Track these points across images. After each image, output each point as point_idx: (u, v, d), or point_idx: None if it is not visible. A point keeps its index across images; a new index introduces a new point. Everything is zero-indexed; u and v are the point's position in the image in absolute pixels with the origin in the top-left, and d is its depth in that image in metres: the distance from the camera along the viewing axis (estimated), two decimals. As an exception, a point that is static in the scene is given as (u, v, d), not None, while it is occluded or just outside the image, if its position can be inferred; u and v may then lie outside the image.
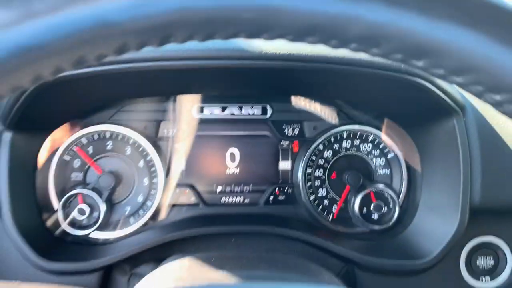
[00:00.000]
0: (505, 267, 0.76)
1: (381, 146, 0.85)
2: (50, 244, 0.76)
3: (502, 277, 0.76)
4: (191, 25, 0.25)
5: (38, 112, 0.69)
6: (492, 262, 0.76)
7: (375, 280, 0.75)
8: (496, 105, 0.28)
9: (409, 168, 0.83)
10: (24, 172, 0.74)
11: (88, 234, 0.79)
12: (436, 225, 0.74)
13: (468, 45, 0.25)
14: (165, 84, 0.78)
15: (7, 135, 0.69)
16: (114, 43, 0.25)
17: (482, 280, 0.76)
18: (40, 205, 0.77)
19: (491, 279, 0.76)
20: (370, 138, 0.84)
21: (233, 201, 0.85)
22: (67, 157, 0.80)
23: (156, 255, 0.74)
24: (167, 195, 0.83)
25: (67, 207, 0.79)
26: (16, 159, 0.71)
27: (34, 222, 0.75)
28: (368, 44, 0.26)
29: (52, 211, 0.78)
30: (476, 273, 0.76)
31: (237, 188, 0.85)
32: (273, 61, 0.65)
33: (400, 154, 0.84)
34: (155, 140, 0.82)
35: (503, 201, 0.70)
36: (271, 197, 0.85)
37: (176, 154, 0.83)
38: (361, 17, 0.25)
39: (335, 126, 0.84)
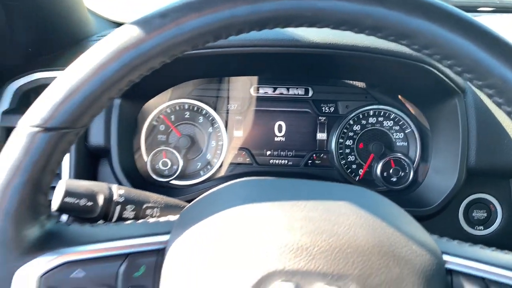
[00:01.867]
0: (496, 219, 0.95)
1: (400, 122, 1.05)
2: (142, 185, 1.00)
3: (493, 227, 0.95)
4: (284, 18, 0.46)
5: (141, 85, 0.94)
6: (485, 215, 0.95)
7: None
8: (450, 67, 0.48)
9: (422, 140, 1.03)
10: (127, 130, 1.00)
11: (169, 181, 1.03)
12: (440, 183, 0.94)
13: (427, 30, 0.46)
14: (231, 67, 1.01)
15: (117, 101, 0.95)
16: (232, 29, 0.48)
17: (476, 229, 0.95)
18: (136, 157, 1.03)
19: (484, 228, 0.95)
20: (392, 116, 1.05)
21: (279, 163, 1.07)
22: (155, 122, 1.05)
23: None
24: (228, 155, 1.06)
25: (154, 160, 1.03)
26: (122, 120, 0.96)
27: (132, 168, 1.01)
28: (374, 31, 0.48)
29: (144, 162, 1.03)
30: (472, 223, 0.95)
31: (282, 153, 1.07)
32: (317, 49, 0.88)
33: (415, 129, 1.04)
34: (221, 112, 1.06)
35: (494, 165, 0.89)
36: (309, 161, 1.07)
37: (236, 124, 1.07)
38: (373, 14, 0.47)
39: (363, 106, 1.05)
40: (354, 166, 1.06)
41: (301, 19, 0.47)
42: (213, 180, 1.05)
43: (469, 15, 0.47)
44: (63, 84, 0.46)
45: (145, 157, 1.04)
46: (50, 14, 0.99)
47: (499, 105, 0.48)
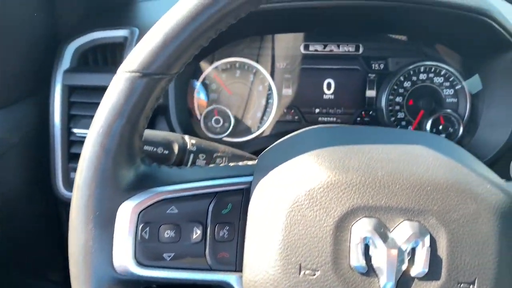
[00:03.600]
0: (548, 173, 0.96)
1: (451, 79, 1.05)
2: (196, 142, 1.04)
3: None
4: None
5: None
6: (538, 169, 0.95)
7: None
8: None
9: (472, 96, 1.03)
10: (182, 89, 1.03)
11: (221, 138, 1.07)
12: (493, 137, 0.94)
13: None
14: (282, 23, 1.02)
15: (173, 61, 0.97)
16: None
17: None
18: (190, 114, 1.06)
19: (536, 182, 0.96)
20: (442, 72, 1.05)
21: (328, 120, 1.09)
22: (207, 81, 1.08)
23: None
24: (278, 113, 1.09)
25: (206, 118, 1.07)
26: (178, 78, 0.98)
27: (188, 125, 1.04)
28: None
29: (197, 119, 1.07)
30: (523, 176, 0.96)
31: (331, 111, 1.09)
32: (369, 0, 0.88)
33: (466, 85, 1.04)
34: (271, 70, 1.08)
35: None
36: (358, 119, 1.08)
37: (286, 82, 1.08)
38: None
39: (414, 62, 1.05)
40: (403, 123, 1.07)
41: None
42: (264, 138, 1.08)
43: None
44: (158, 32, 0.49)
45: (198, 115, 1.07)
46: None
47: None
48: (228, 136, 1.07)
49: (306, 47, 1.07)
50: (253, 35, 1.05)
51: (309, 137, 0.58)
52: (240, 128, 1.08)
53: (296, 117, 1.09)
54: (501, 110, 0.94)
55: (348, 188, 0.49)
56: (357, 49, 1.06)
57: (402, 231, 0.48)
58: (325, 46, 1.06)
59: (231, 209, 0.54)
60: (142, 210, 0.52)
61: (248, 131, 1.08)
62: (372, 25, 1.02)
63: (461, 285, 0.47)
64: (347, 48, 1.06)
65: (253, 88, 1.08)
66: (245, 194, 0.54)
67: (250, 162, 0.62)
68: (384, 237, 0.47)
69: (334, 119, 1.09)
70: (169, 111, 0.97)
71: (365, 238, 0.48)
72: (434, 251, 0.48)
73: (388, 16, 0.95)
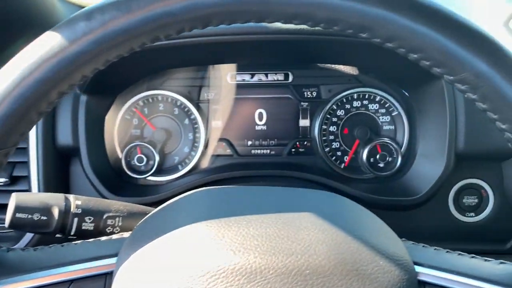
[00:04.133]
0: (487, 205, 0.90)
1: (386, 105, 0.99)
2: (117, 184, 0.96)
3: (485, 213, 0.90)
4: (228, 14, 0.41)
5: (106, 79, 0.89)
6: (476, 201, 0.90)
7: (377, 214, 0.91)
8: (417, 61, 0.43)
9: (410, 123, 0.98)
10: (96, 128, 0.95)
11: (146, 177, 0.99)
12: (428, 169, 0.89)
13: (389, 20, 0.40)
14: (205, 56, 0.95)
15: (83, 98, 0.89)
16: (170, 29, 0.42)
17: (467, 216, 0.91)
18: (109, 154, 0.98)
19: (475, 215, 0.91)
20: (377, 99, 0.99)
21: (261, 153, 1.02)
22: (128, 116, 1.00)
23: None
24: (207, 147, 1.01)
25: (128, 157, 0.99)
26: (90, 116, 0.91)
27: (105, 166, 0.96)
28: (330, 25, 0.42)
29: (118, 159, 0.99)
30: (463, 209, 0.90)
31: (264, 142, 1.02)
32: (292, 35, 0.82)
33: (402, 112, 0.98)
34: (197, 102, 1.00)
35: (484, 148, 0.84)
36: (293, 149, 1.02)
37: (214, 114, 1.01)
38: (327, 5, 0.41)
39: (347, 89, 0.99)
40: (339, 153, 1.01)
41: (247, 15, 0.42)
42: (193, 174, 1.00)
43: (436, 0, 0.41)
44: None
45: (119, 153, 0.99)
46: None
47: (473, 101, 0.43)
48: (153, 175, 0.99)
49: (233, 77, 1.00)
50: (174, 67, 0.98)
51: (182, 209, 0.50)
52: (167, 165, 1.01)
53: (228, 151, 1.02)
54: (435, 140, 0.88)
55: (216, 276, 0.42)
56: (286, 77, 1.00)
57: (276, 325, 0.41)
58: (252, 76, 1.00)
59: None
60: None
61: (175, 168, 1.01)
62: (300, 56, 0.96)
63: None
64: (276, 77, 1.00)
65: (178, 121, 1.00)
66: (108, 278, 0.46)
67: (117, 236, 0.54)
68: None
69: (268, 151, 1.02)
70: (81, 153, 0.89)
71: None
72: None
73: (314, 47, 0.89)
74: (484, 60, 0.39)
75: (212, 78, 1.00)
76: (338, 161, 1.01)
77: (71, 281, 0.46)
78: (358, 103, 1.00)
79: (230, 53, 0.95)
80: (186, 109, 1.00)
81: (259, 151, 1.02)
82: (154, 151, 0.97)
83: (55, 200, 0.61)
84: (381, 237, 0.48)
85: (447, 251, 0.51)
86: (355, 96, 0.99)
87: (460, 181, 0.90)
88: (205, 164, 1.01)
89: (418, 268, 0.47)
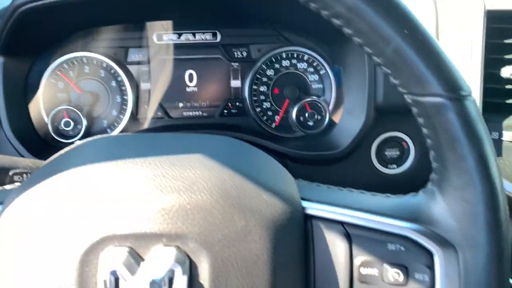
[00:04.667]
0: (408, 157, 0.94)
1: (314, 64, 1.00)
2: (43, 149, 0.94)
3: (406, 165, 0.94)
4: None
5: (23, 38, 0.85)
6: (398, 153, 0.93)
7: (304, 169, 0.93)
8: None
9: (337, 81, 0.99)
10: (17, 92, 0.91)
11: (73, 142, 0.97)
12: (351, 124, 0.91)
13: None
14: (130, 13, 0.93)
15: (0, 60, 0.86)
16: None
17: (390, 168, 0.94)
18: (34, 119, 0.95)
19: (397, 167, 0.94)
20: (305, 58, 1.00)
21: (193, 114, 1.02)
22: (52, 80, 0.97)
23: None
24: (137, 110, 1.00)
25: (55, 121, 0.96)
26: (8, 80, 0.87)
27: (29, 131, 0.93)
28: None
29: (44, 123, 0.96)
30: (385, 161, 0.93)
31: (195, 104, 1.02)
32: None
33: (329, 70, 1.00)
34: (124, 64, 0.98)
35: (402, 102, 0.86)
36: (225, 111, 1.02)
37: (142, 75, 1.00)
38: None
39: (275, 48, 0.99)
40: (270, 113, 1.01)
41: None
42: (123, 138, 0.99)
43: None
44: None
45: (45, 118, 0.97)
46: None
47: (350, 36, 0.44)
48: (81, 139, 0.96)
49: (159, 37, 0.98)
50: (97, 25, 0.95)
51: (72, 156, 0.50)
52: (95, 129, 0.99)
53: (159, 113, 1.01)
54: (357, 95, 0.90)
55: (97, 216, 0.42)
56: (214, 36, 0.99)
57: (157, 259, 0.41)
58: (179, 35, 0.98)
59: None
60: None
61: (104, 131, 0.99)
62: (226, 14, 0.95)
63: None
64: (203, 37, 0.99)
65: (105, 84, 0.98)
66: None
67: (9, 186, 0.53)
68: (134, 269, 0.41)
69: (200, 112, 1.02)
70: (0, 118, 0.86)
71: (113, 272, 0.41)
72: (195, 279, 0.42)
73: (240, 5, 0.88)
74: None
75: (138, 39, 0.98)
76: (269, 121, 1.02)
77: None
78: (287, 63, 1.00)
79: (155, 10, 0.93)
80: (112, 71, 0.98)
81: (190, 113, 1.02)
82: (81, 115, 0.95)
83: None
84: (268, 175, 0.49)
85: (339, 188, 0.52)
86: (284, 55, 1.00)
87: (382, 134, 0.92)
88: (134, 127, 1.00)
89: (305, 203, 0.48)
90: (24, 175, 0.63)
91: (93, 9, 0.87)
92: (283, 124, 1.01)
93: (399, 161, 0.94)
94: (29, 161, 0.65)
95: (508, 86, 0.81)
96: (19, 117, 0.91)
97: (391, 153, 0.93)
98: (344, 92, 0.96)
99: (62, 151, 0.52)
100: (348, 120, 0.94)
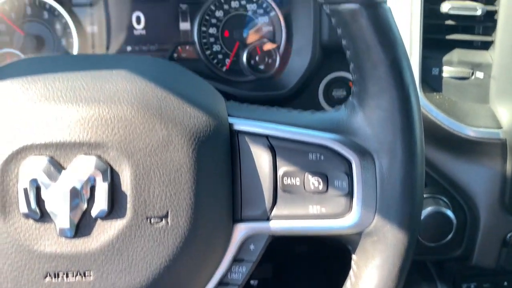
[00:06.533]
0: (354, 96, 0.96)
1: (264, 5, 1.00)
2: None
3: (352, 104, 0.96)
4: None
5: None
6: (344, 93, 0.95)
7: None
8: None
9: (286, 22, 0.99)
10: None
11: (19, 86, 0.95)
12: (298, 65, 0.92)
13: None
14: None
15: None
16: None
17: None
18: (-26, 63, 0.93)
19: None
20: (255, -1, 0.99)
21: (143, 59, 1.01)
22: (-8, 22, 0.94)
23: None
24: (82, 53, 0.98)
25: (-2, 65, 0.93)
26: None
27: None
28: None
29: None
30: (332, 101, 0.95)
31: (144, 47, 1.00)
32: None
33: (279, 11, 0.99)
34: (69, 6, 0.95)
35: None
36: (175, 54, 1.01)
37: (89, 18, 0.97)
38: None
39: (224, -12, 0.98)
40: (220, 56, 1.01)
41: None
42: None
43: None
44: None
45: (-14, 62, 0.94)
46: None
47: None
48: (27, 83, 0.94)
49: (104, -23, 0.95)
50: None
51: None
52: (41, 73, 0.97)
53: (107, 57, 0.99)
54: (304, 35, 0.90)
55: (15, 125, 0.42)
56: (159, -25, 0.97)
57: (77, 168, 0.42)
58: (123, -25, 0.96)
59: None
60: None
61: (50, 76, 0.97)
62: None
63: (151, 220, 0.43)
64: (147, -25, 0.96)
65: (50, 27, 0.95)
66: None
67: None
68: (55, 177, 0.41)
69: (149, 56, 1.00)
70: None
71: (33, 180, 0.41)
72: (116, 187, 0.42)
73: None
74: None
75: (82, -21, 0.95)
76: (220, 64, 1.01)
77: None
78: (237, 4, 0.99)
79: None
80: (56, 13, 0.95)
81: (140, 57, 1.00)
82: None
83: None
84: (194, 91, 0.49)
85: (267, 107, 0.54)
86: (233, -4, 0.99)
87: (329, 74, 0.94)
88: (83, 71, 0.98)
89: (232, 120, 0.49)
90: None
91: None
92: (234, 68, 1.01)
93: (345, 101, 0.95)
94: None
95: (447, 22, 0.83)
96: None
97: (338, 93, 0.95)
98: (294, 33, 0.96)
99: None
100: (296, 61, 0.94)
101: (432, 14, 0.82)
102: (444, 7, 0.81)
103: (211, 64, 1.01)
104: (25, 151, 0.41)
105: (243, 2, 0.99)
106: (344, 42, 0.47)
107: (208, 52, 1.00)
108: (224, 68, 1.01)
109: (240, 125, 0.49)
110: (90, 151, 0.42)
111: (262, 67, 1.00)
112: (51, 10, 0.95)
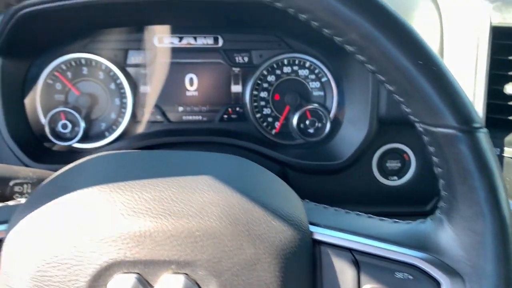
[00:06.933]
0: (409, 168, 0.94)
1: (316, 71, 0.99)
2: (40, 151, 0.92)
3: (407, 177, 0.94)
4: None
5: (22, 40, 0.83)
6: (399, 165, 0.93)
7: (305, 178, 0.93)
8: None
9: (338, 89, 0.99)
10: (14, 93, 0.90)
11: (71, 144, 0.95)
12: (353, 134, 0.91)
13: None
14: (131, 16, 0.91)
15: (-2, 60, 0.84)
16: None
17: (391, 179, 0.94)
18: (31, 121, 0.94)
19: (398, 178, 0.94)
20: (307, 65, 0.99)
21: (193, 119, 1.01)
22: (50, 81, 0.95)
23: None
24: (136, 114, 0.99)
25: (52, 123, 0.94)
26: (6, 81, 0.86)
27: (26, 133, 0.92)
28: None
29: (41, 125, 0.94)
30: (386, 173, 0.93)
31: (196, 108, 1.01)
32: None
33: (331, 78, 0.99)
34: (123, 66, 0.97)
35: (404, 114, 0.86)
36: (225, 116, 1.01)
37: (142, 78, 0.98)
38: None
39: (277, 54, 0.98)
40: (270, 119, 1.01)
41: None
42: (121, 141, 0.98)
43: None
44: None
45: (42, 119, 0.95)
46: None
47: (362, 63, 0.43)
48: (79, 142, 0.95)
49: (161, 40, 0.97)
50: (97, 28, 0.93)
51: (76, 174, 0.49)
52: (93, 131, 0.98)
53: (158, 117, 1.00)
54: (360, 106, 0.90)
55: (104, 241, 0.41)
56: (216, 41, 0.98)
57: (165, 287, 0.41)
58: (181, 39, 0.97)
59: None
60: None
61: (102, 134, 0.98)
62: (229, 19, 0.93)
63: None
64: (205, 41, 0.97)
65: (104, 86, 0.97)
66: None
67: (13, 202, 0.52)
68: None
69: (200, 117, 1.01)
70: (-2, 125, 0.84)
71: (121, 299, 0.40)
72: None
73: (243, 10, 0.87)
74: (368, 20, 0.39)
75: (138, 41, 0.97)
76: (269, 127, 1.01)
77: None
78: (289, 69, 0.99)
79: (157, 14, 0.92)
80: (111, 73, 0.96)
81: (190, 117, 1.01)
82: (79, 117, 0.93)
83: None
84: (277, 198, 0.48)
85: (346, 212, 0.52)
86: (286, 61, 0.99)
87: (384, 145, 0.92)
88: (134, 130, 0.99)
89: (313, 228, 0.48)
90: (25, 185, 0.62)
91: (93, 13, 0.85)
92: (283, 131, 1.01)
93: (400, 173, 0.94)
94: (29, 170, 0.64)
95: (511, 103, 0.81)
96: (17, 119, 0.89)
97: (392, 164, 0.93)
98: (346, 101, 0.96)
99: (67, 168, 0.51)
100: (350, 130, 0.93)
101: (496, 95, 0.80)
102: (509, 89, 0.79)
103: (261, 126, 1.00)
104: (113, 268, 0.40)
105: (295, 68, 0.99)
106: (435, 160, 0.45)
107: (258, 115, 1.00)
108: (274, 131, 1.01)
109: (322, 235, 0.47)
110: (178, 269, 0.41)
111: (311, 131, 0.99)
112: (107, 70, 0.96)
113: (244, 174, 0.51)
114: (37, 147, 0.93)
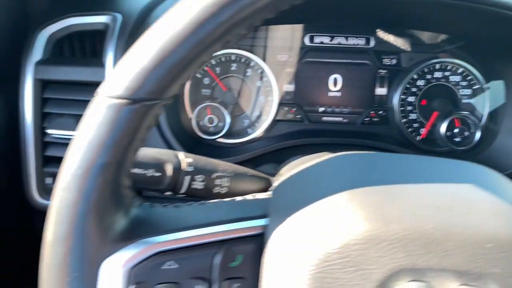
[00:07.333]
0: None
1: (468, 78, 0.95)
2: (189, 144, 0.93)
3: None
4: None
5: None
6: None
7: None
8: None
9: (492, 97, 0.94)
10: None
11: (216, 139, 0.96)
12: (514, 145, 0.86)
13: None
14: (284, 14, 0.91)
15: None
16: None
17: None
18: (180, 114, 0.95)
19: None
20: (459, 70, 0.95)
21: (333, 120, 0.99)
22: (199, 75, 0.96)
23: (270, 158, 0.92)
24: (278, 112, 0.98)
25: (198, 117, 0.95)
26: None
27: (178, 126, 0.93)
28: None
29: (188, 119, 0.95)
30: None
31: (337, 109, 0.99)
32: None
33: (485, 86, 0.95)
34: (271, 64, 0.96)
35: None
36: (367, 119, 0.99)
37: (287, 77, 0.97)
38: None
39: (429, 59, 0.95)
40: (416, 125, 0.98)
41: None
42: (263, 139, 0.97)
43: None
44: (150, 47, 0.38)
45: (189, 113, 0.96)
46: None
47: None
48: (223, 137, 0.96)
49: (311, 39, 0.95)
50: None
51: (335, 170, 0.48)
52: (236, 128, 0.98)
53: (298, 116, 0.99)
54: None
55: (391, 245, 0.39)
56: (367, 42, 0.95)
57: (456, 300, 0.39)
58: (332, 38, 0.95)
59: (242, 261, 0.44)
60: (132, 267, 0.41)
61: (244, 131, 0.98)
62: (387, 19, 0.91)
63: None
64: (356, 41, 0.95)
65: (250, 83, 0.97)
66: (258, 241, 0.44)
67: (260, 195, 0.51)
68: None
69: (341, 118, 0.99)
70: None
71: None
72: None
73: (407, 10, 0.84)
74: None
75: (287, 39, 0.96)
76: (414, 133, 0.98)
77: (222, 242, 0.43)
78: (440, 74, 0.96)
79: (311, 12, 0.90)
80: (259, 71, 0.96)
81: (331, 118, 0.99)
82: (225, 113, 0.94)
83: (167, 156, 0.58)
84: None
85: None
86: (437, 66, 0.95)
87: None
88: (274, 129, 0.98)
89: None
90: (224, 179, 0.62)
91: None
92: (428, 138, 0.97)
93: None
94: (225, 164, 0.64)
95: None
96: (171, 112, 0.90)
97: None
98: (506, 110, 0.91)
99: (307, 165, 0.50)
100: (509, 142, 0.89)
101: None
102: None
103: (406, 131, 0.97)
104: (402, 275, 0.39)
105: (447, 74, 0.96)
106: None
107: (404, 120, 0.97)
108: (419, 137, 0.98)
109: None
110: (470, 282, 0.39)
111: (458, 139, 0.95)
112: (255, 67, 0.96)
113: (501, 182, 0.48)
114: (188, 140, 0.93)
